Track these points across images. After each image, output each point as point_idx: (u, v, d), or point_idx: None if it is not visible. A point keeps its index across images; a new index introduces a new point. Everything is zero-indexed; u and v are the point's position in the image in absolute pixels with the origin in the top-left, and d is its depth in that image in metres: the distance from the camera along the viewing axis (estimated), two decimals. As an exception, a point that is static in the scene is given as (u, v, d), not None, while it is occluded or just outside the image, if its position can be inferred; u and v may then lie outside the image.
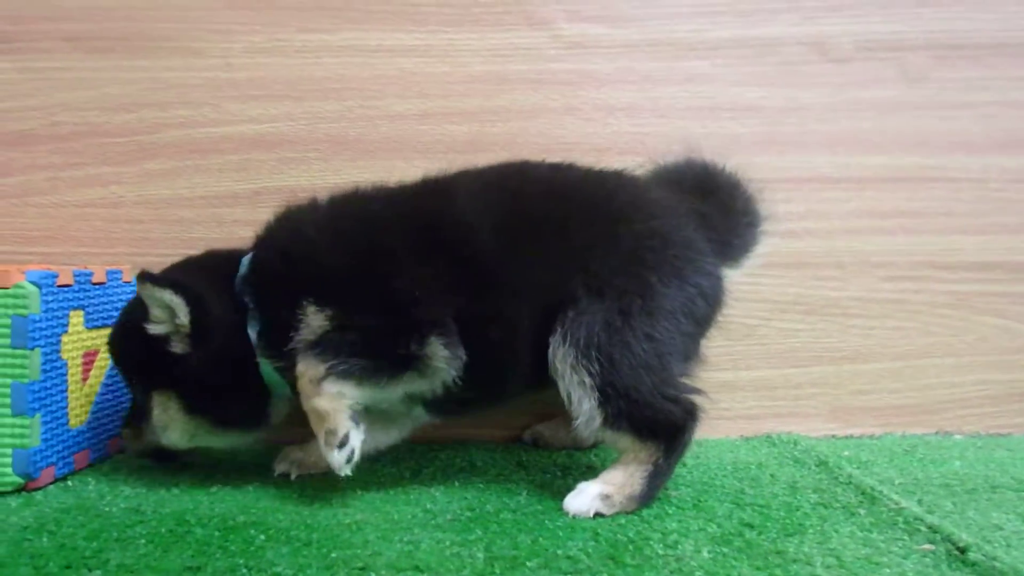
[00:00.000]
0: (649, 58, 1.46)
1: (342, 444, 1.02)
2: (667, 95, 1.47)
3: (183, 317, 1.06)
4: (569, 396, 1.05)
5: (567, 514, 1.01)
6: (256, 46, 1.47)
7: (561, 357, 1.04)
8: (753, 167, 1.42)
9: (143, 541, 0.90)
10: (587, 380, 1.02)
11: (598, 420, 1.03)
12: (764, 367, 1.50)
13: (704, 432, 1.44)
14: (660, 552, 0.88)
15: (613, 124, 1.47)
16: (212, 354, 1.09)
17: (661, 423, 1.04)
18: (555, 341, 1.05)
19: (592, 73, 1.46)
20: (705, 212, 1.19)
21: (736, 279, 1.23)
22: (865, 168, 1.49)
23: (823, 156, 1.49)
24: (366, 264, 1.09)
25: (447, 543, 0.90)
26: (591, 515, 1.01)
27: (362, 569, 0.83)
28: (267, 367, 1.11)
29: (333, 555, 0.86)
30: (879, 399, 1.52)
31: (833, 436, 1.50)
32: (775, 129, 1.48)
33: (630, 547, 0.89)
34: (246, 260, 1.14)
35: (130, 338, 1.13)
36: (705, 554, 0.88)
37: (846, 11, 1.48)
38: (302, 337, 1.06)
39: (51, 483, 1.13)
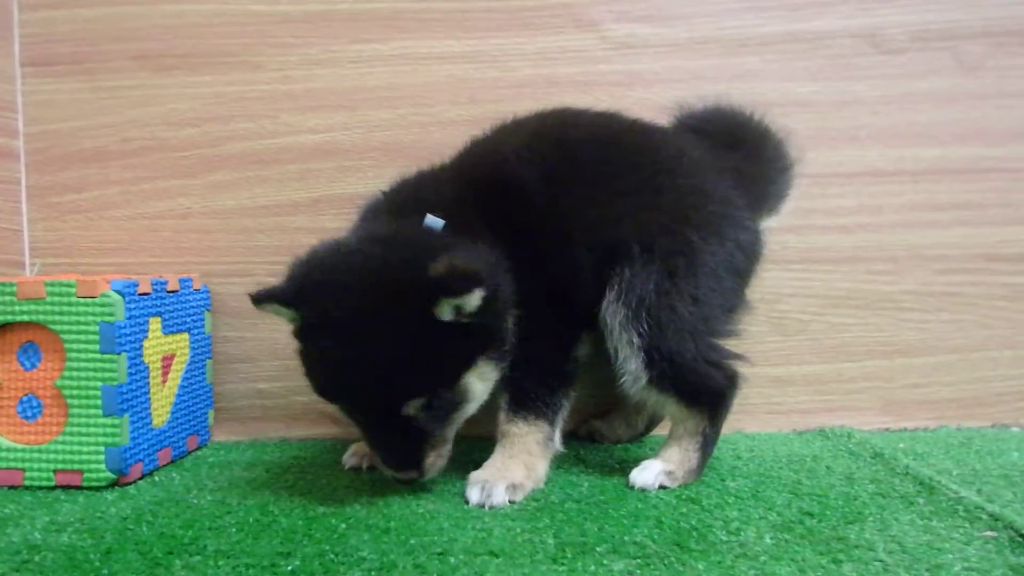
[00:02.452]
0: (698, 56, 1.49)
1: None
2: (717, 92, 1.48)
3: (476, 302, 0.98)
4: (616, 352, 1.10)
5: (632, 487, 1.10)
6: (311, 58, 1.53)
7: (612, 313, 1.09)
8: (805, 162, 1.45)
9: (233, 530, 0.96)
10: (635, 340, 1.08)
11: (643, 379, 1.09)
12: (817, 362, 1.51)
13: (757, 426, 1.48)
14: (723, 538, 0.91)
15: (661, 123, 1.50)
16: (494, 314, 1.03)
17: (704, 389, 1.10)
18: (610, 297, 1.09)
19: (641, 73, 1.49)
20: (739, 166, 1.23)
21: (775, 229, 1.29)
22: (919, 160, 1.50)
23: (876, 149, 1.49)
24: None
25: (518, 530, 0.94)
26: (656, 488, 1.09)
27: (441, 554, 0.87)
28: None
29: (412, 541, 0.91)
30: (933, 392, 1.52)
31: (887, 429, 1.50)
32: (827, 124, 1.49)
33: (694, 534, 0.92)
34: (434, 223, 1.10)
35: (433, 348, 1.00)
36: (768, 540, 0.90)
37: (899, 1, 1.48)
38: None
39: (139, 478, 1.20)
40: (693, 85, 1.48)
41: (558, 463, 1.27)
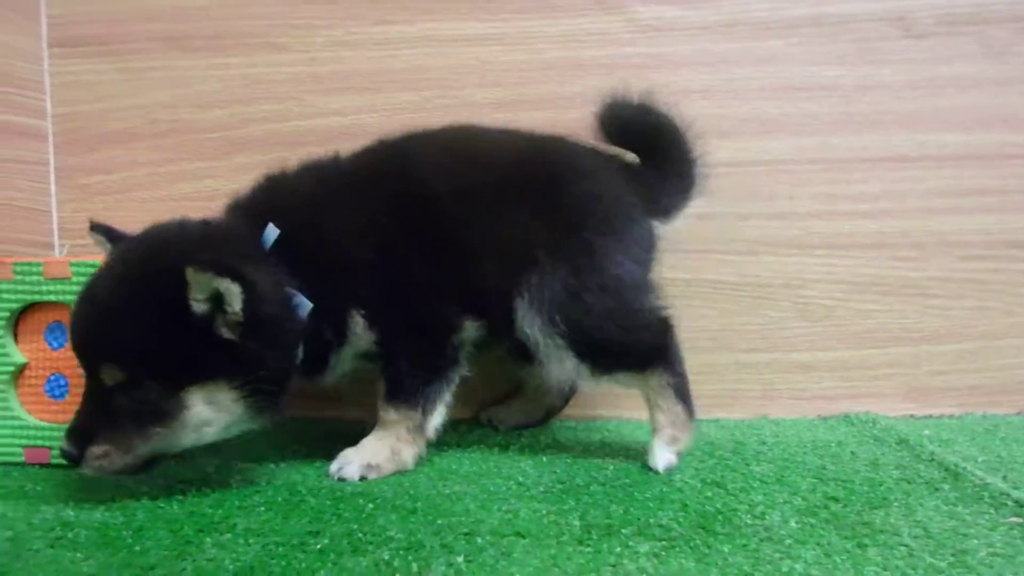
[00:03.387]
0: (724, 39, 1.48)
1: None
2: (743, 76, 1.48)
3: (235, 305, 0.95)
4: (545, 359, 1.14)
5: (658, 473, 1.12)
6: (337, 40, 1.53)
7: (529, 322, 1.13)
8: (829, 147, 1.44)
9: (262, 508, 0.98)
10: (560, 342, 1.12)
11: (585, 372, 1.14)
12: (841, 348, 1.51)
13: (782, 412, 1.48)
14: (748, 522, 0.91)
15: (688, 107, 1.48)
16: (266, 338, 1.00)
17: (643, 350, 1.15)
18: (522, 306, 1.13)
19: (667, 56, 1.49)
20: (636, 169, 1.29)
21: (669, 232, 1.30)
22: (944, 146, 1.48)
23: (901, 135, 1.48)
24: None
25: (543, 512, 0.95)
26: (675, 461, 1.13)
27: (468, 535, 0.88)
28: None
29: (439, 522, 0.92)
30: (958, 379, 1.52)
31: (912, 416, 1.50)
32: (852, 108, 1.48)
33: (719, 517, 0.93)
34: (270, 234, 1.08)
35: (157, 324, 0.96)
36: (793, 524, 0.90)
37: (927, -15, 1.47)
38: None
39: None
40: (719, 68, 1.48)
41: (582, 446, 1.28)
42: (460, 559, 0.80)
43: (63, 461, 1.00)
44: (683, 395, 1.17)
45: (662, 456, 1.13)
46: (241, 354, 0.98)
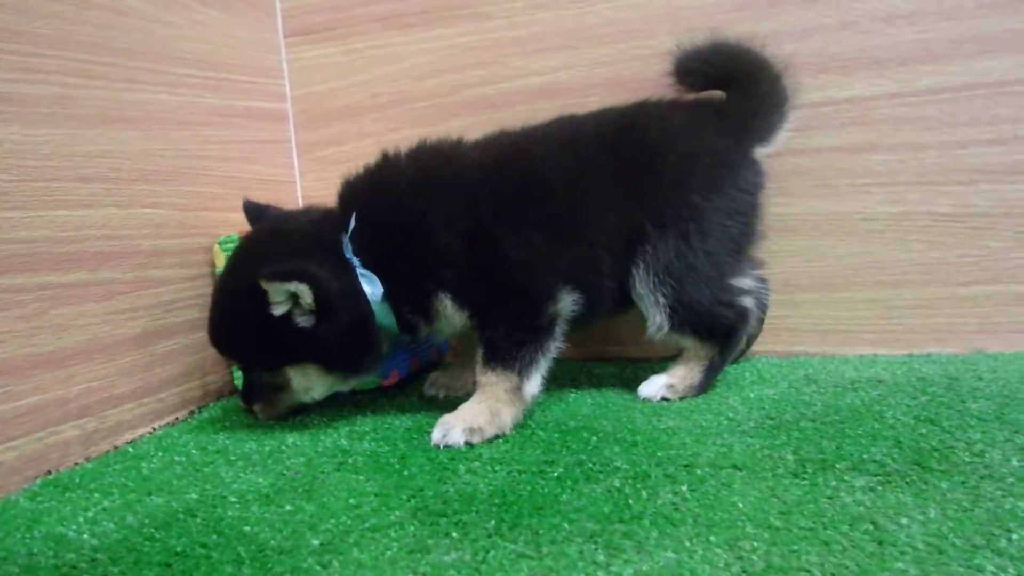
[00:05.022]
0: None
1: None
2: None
3: (308, 299, 1.15)
4: (646, 311, 1.28)
5: (639, 398, 1.29)
6: (534, 3, 1.61)
7: (643, 284, 1.26)
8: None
9: (500, 441, 1.13)
10: (661, 300, 1.25)
11: (666, 328, 1.27)
12: (1071, 276, 1.41)
13: (999, 346, 1.44)
14: (967, 459, 0.93)
15: (894, 34, 1.43)
16: (336, 322, 1.18)
17: (718, 327, 1.28)
18: (639, 275, 1.26)
19: (868, -14, 1.43)
20: (726, 106, 1.36)
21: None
22: None
23: None
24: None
25: (756, 446, 1.03)
26: (658, 399, 1.28)
27: (687, 466, 0.98)
28: (386, 315, 1.24)
29: (659, 454, 1.02)
30: None
31: None
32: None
33: (935, 455, 0.95)
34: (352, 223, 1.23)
35: (251, 327, 1.19)
36: (1015, 463, 0.91)
37: None
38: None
39: (396, 382, 1.45)
40: None
41: (788, 382, 1.33)
42: (684, 488, 0.90)
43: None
44: (712, 373, 1.31)
45: (653, 389, 1.29)
46: (318, 336, 1.18)
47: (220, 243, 1.44)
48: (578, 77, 1.60)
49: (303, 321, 1.18)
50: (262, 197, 1.43)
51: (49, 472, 1.11)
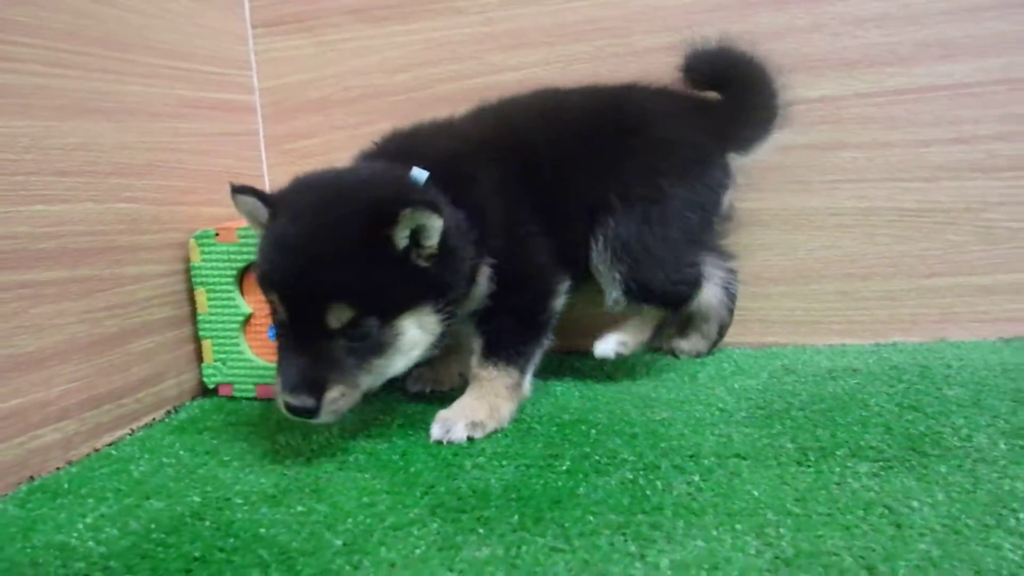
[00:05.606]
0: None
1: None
2: (920, 1, 1.45)
3: (434, 235, 1.02)
4: (603, 284, 1.32)
5: (594, 356, 1.34)
6: (512, -1, 1.61)
7: (600, 258, 1.29)
8: (1017, 66, 1.41)
9: (499, 436, 1.13)
10: (617, 276, 1.29)
11: (623, 302, 1.31)
12: (1024, 270, 1.50)
13: (962, 335, 1.51)
14: (957, 444, 0.98)
15: (862, 36, 1.48)
16: (453, 261, 1.09)
17: (671, 300, 1.35)
18: (596, 246, 1.29)
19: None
20: (714, 105, 1.40)
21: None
22: None
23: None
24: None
25: (755, 436, 1.06)
26: (613, 356, 1.33)
27: (692, 456, 1.00)
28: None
29: (662, 445, 1.04)
30: None
31: (1100, 335, 1.49)
32: (1043, 25, 1.42)
33: (926, 439, 1.00)
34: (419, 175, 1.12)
35: (374, 264, 1.01)
36: (1003, 446, 0.97)
37: None
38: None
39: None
40: None
41: (768, 372, 1.37)
42: (696, 478, 0.93)
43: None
44: (660, 330, 1.40)
45: (608, 347, 1.33)
46: (434, 280, 1.06)
47: (196, 238, 1.40)
48: (554, 74, 1.60)
49: (421, 262, 1.04)
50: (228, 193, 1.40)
51: (32, 478, 1.06)
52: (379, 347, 1.04)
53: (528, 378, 1.22)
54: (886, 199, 1.51)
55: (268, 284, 1.05)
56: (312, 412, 1.00)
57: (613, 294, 1.31)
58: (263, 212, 1.08)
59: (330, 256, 1.00)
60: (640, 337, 1.38)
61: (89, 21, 1.21)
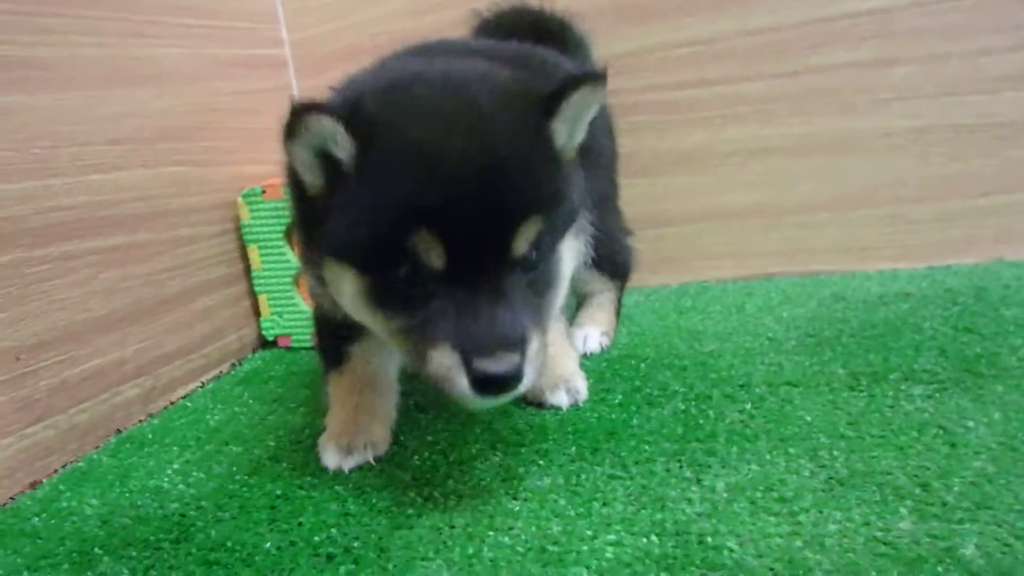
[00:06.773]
0: None
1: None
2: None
3: (580, 135, 0.83)
4: None
5: (585, 355, 1.24)
6: None
7: None
8: None
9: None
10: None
11: (589, 261, 1.19)
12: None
13: (1020, 254, 1.47)
14: (1014, 364, 0.97)
15: None
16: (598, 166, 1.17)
17: (621, 264, 1.30)
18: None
19: None
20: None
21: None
22: None
23: None
24: None
25: (805, 364, 1.06)
26: (600, 350, 1.25)
27: (743, 386, 1.01)
28: None
29: (712, 376, 1.06)
30: None
31: None
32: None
33: (982, 361, 0.99)
34: None
35: (554, 167, 0.79)
36: (1060, 364, 0.95)
37: None
38: None
39: None
40: None
41: (816, 300, 1.36)
42: (748, 406, 0.94)
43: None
44: (618, 312, 1.34)
45: (596, 342, 1.27)
46: (578, 186, 0.83)
47: (244, 196, 1.43)
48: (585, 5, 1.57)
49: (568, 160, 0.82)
50: (271, 150, 1.41)
51: (119, 430, 1.14)
52: (551, 277, 0.80)
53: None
54: (940, 115, 1.46)
55: (427, 218, 0.71)
56: (519, 378, 0.70)
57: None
58: (346, 141, 0.74)
59: (517, 162, 0.73)
60: (612, 324, 1.33)
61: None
